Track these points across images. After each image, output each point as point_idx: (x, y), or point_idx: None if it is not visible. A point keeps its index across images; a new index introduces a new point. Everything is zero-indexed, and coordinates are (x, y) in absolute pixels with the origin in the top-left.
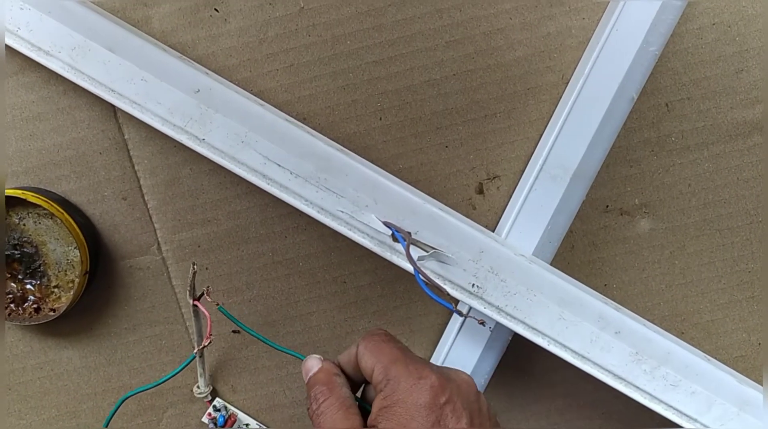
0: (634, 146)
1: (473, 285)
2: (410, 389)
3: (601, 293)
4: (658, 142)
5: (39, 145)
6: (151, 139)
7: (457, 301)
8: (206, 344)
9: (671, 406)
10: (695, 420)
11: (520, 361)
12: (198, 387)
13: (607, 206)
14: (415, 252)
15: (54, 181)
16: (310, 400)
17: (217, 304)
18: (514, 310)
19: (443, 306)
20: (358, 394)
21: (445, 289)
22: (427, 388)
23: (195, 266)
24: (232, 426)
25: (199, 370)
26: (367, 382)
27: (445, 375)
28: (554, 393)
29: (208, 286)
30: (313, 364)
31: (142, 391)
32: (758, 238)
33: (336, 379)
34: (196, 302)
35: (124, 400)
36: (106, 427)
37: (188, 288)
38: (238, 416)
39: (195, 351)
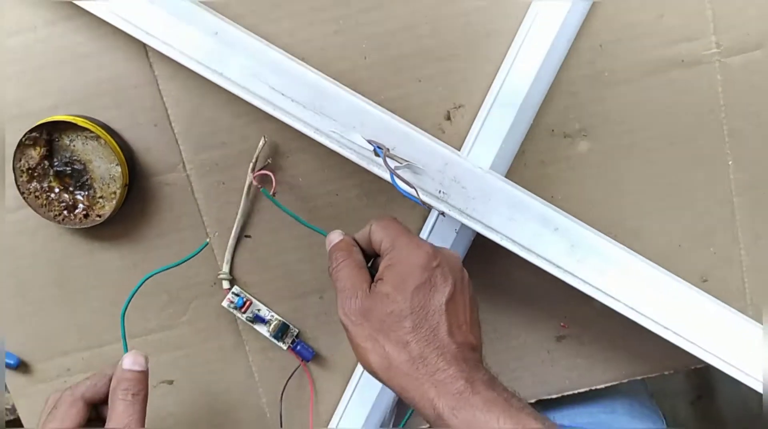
0: (573, 80)
1: (440, 191)
2: (410, 253)
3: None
4: (594, 77)
5: (84, 79)
6: (177, 74)
7: (430, 208)
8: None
9: (600, 289)
10: (620, 301)
11: (482, 261)
12: (222, 271)
13: (553, 130)
14: (392, 164)
15: (97, 110)
16: (331, 261)
17: (261, 187)
18: (473, 212)
19: (417, 211)
20: (369, 266)
21: (414, 187)
22: (424, 253)
23: (265, 138)
24: (248, 308)
25: (227, 256)
26: (376, 256)
27: (439, 248)
28: (512, 288)
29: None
30: (336, 236)
31: (160, 271)
32: (678, 154)
33: (353, 247)
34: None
35: (144, 281)
36: (129, 302)
37: (253, 161)
38: (253, 302)
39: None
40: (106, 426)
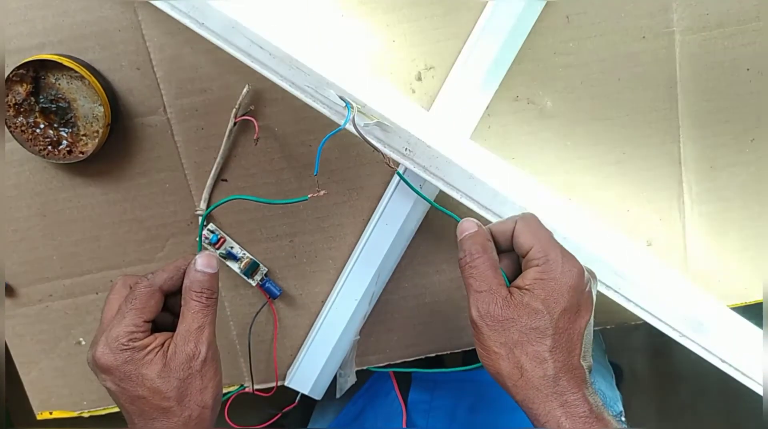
0: (539, 49)
1: (406, 149)
2: (564, 272)
3: (509, 165)
4: (558, 47)
5: (71, 20)
6: (160, 21)
7: (397, 164)
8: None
9: None
10: None
11: (442, 216)
12: (199, 207)
13: (517, 96)
14: (361, 121)
15: (82, 51)
16: (465, 253)
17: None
18: (436, 169)
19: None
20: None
21: (379, 148)
22: (577, 273)
23: (249, 86)
24: (222, 245)
25: (205, 195)
26: (502, 251)
27: (586, 268)
28: None
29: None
30: (471, 225)
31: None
32: (632, 125)
33: (489, 243)
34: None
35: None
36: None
37: (236, 107)
38: (227, 240)
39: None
40: (182, 324)
